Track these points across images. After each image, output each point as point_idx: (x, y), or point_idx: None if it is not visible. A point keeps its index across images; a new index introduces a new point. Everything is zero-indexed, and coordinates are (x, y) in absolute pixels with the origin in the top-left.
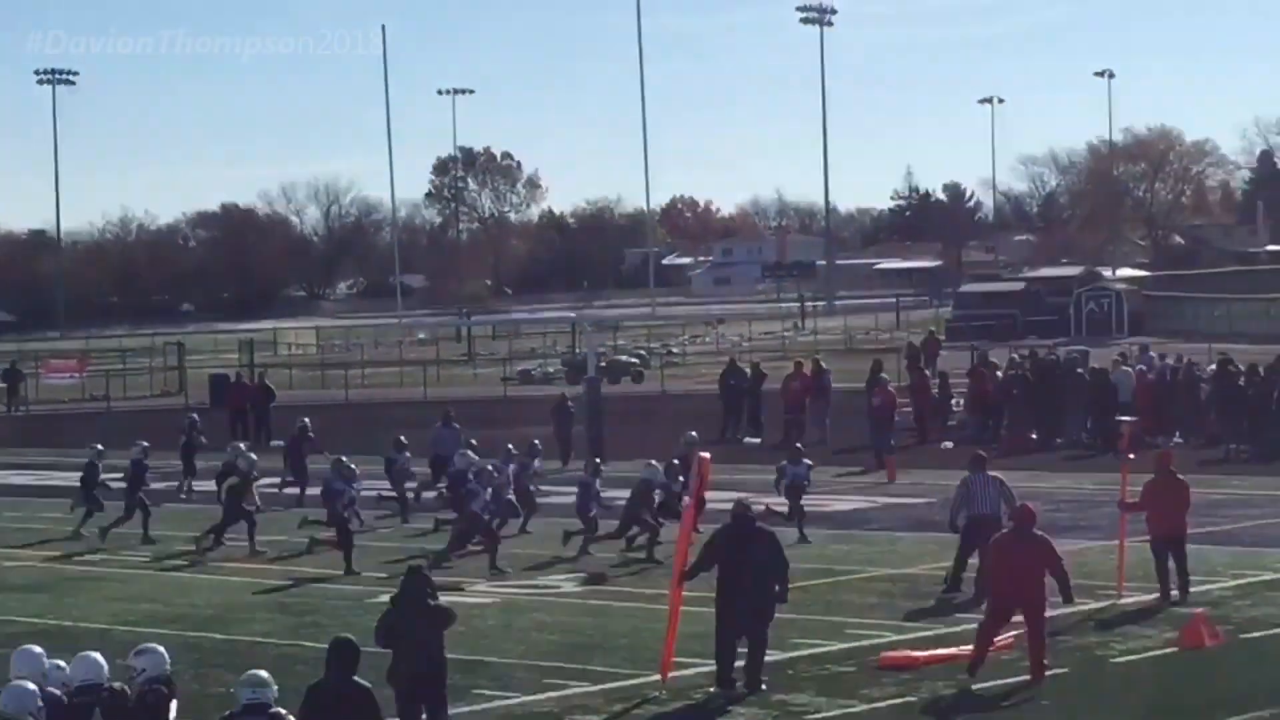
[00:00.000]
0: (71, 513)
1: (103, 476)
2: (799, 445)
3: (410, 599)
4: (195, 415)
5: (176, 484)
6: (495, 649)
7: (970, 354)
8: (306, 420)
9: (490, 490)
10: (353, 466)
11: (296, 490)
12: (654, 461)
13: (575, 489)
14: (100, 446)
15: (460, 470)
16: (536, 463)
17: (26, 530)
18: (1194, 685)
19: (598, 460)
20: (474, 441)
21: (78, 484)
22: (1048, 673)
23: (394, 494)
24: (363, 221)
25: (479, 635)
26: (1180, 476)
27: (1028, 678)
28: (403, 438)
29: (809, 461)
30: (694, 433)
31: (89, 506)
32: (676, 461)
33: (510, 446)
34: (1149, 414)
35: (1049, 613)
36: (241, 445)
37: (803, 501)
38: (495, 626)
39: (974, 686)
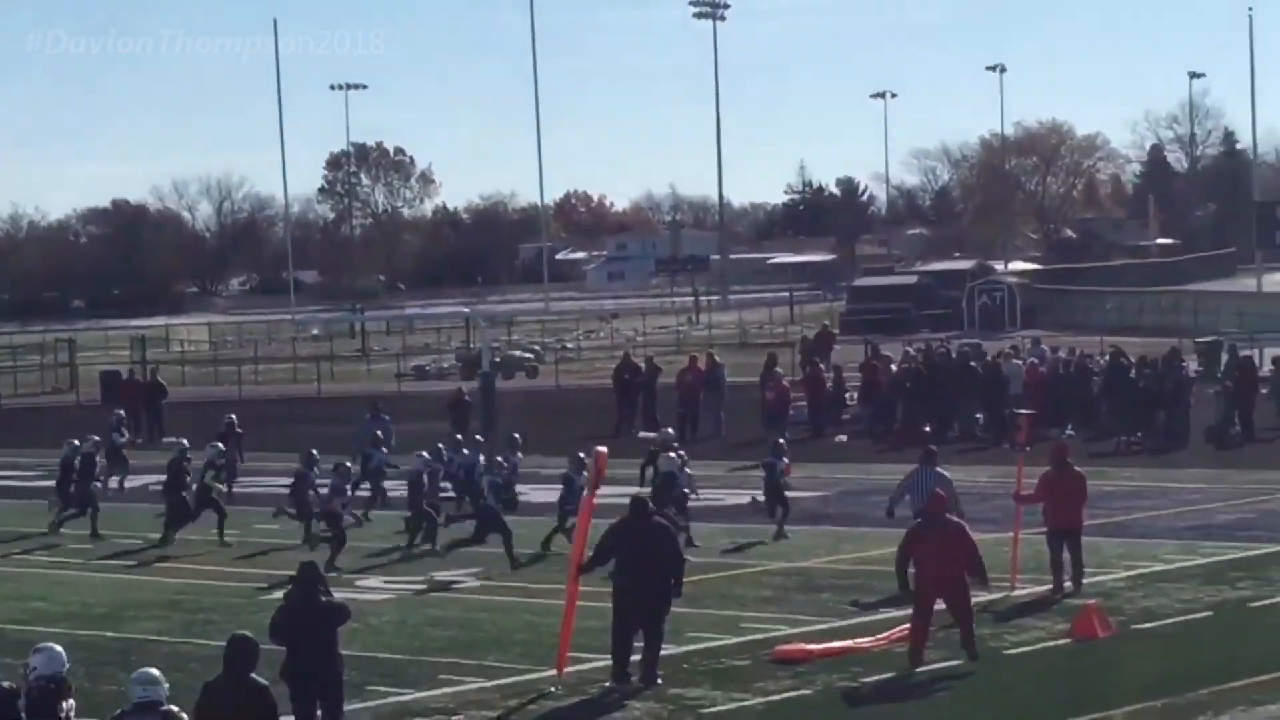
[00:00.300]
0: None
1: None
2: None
3: (303, 596)
4: (122, 412)
5: (103, 482)
6: (390, 645)
7: (864, 348)
8: (233, 416)
9: (487, 481)
10: (349, 465)
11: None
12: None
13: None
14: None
15: (471, 462)
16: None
17: None
18: (1086, 676)
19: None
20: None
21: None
22: (941, 664)
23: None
24: (255, 217)
25: (373, 632)
26: (1077, 469)
27: (916, 669)
28: (379, 432)
29: (676, 456)
30: (670, 429)
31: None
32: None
33: (516, 435)
34: (1041, 406)
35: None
36: (221, 445)
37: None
38: (389, 623)
39: (866, 679)
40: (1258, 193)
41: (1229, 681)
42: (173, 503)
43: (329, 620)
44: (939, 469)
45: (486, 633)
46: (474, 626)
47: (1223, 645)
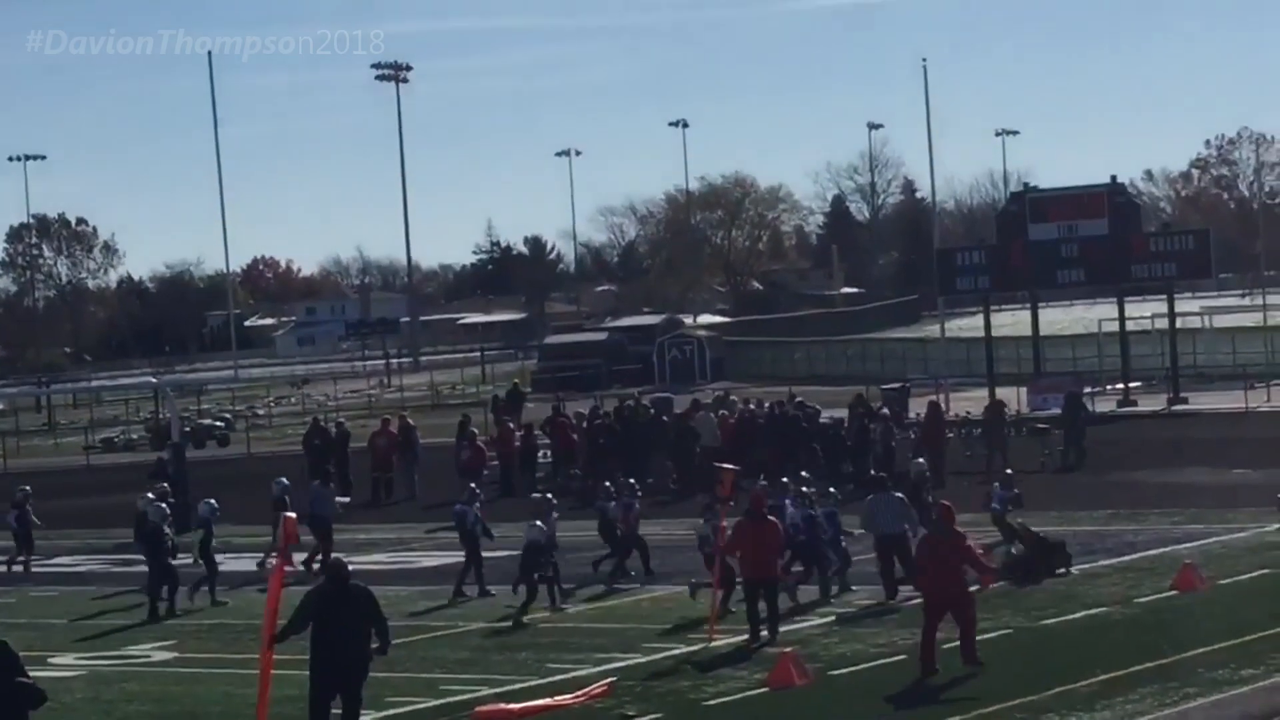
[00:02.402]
0: None
1: None
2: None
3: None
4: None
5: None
6: None
7: (554, 405)
8: (28, 487)
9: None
10: None
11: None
12: (538, 523)
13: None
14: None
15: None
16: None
17: None
18: None
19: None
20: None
21: None
22: (642, 717)
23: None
24: None
25: (67, 710)
26: (771, 518)
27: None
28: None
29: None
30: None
31: None
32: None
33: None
34: (732, 457)
35: (632, 660)
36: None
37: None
38: (83, 700)
39: None
40: (938, 240)
41: None
42: None
43: (21, 703)
44: (896, 493)
45: (182, 705)
46: (169, 700)
47: (919, 688)
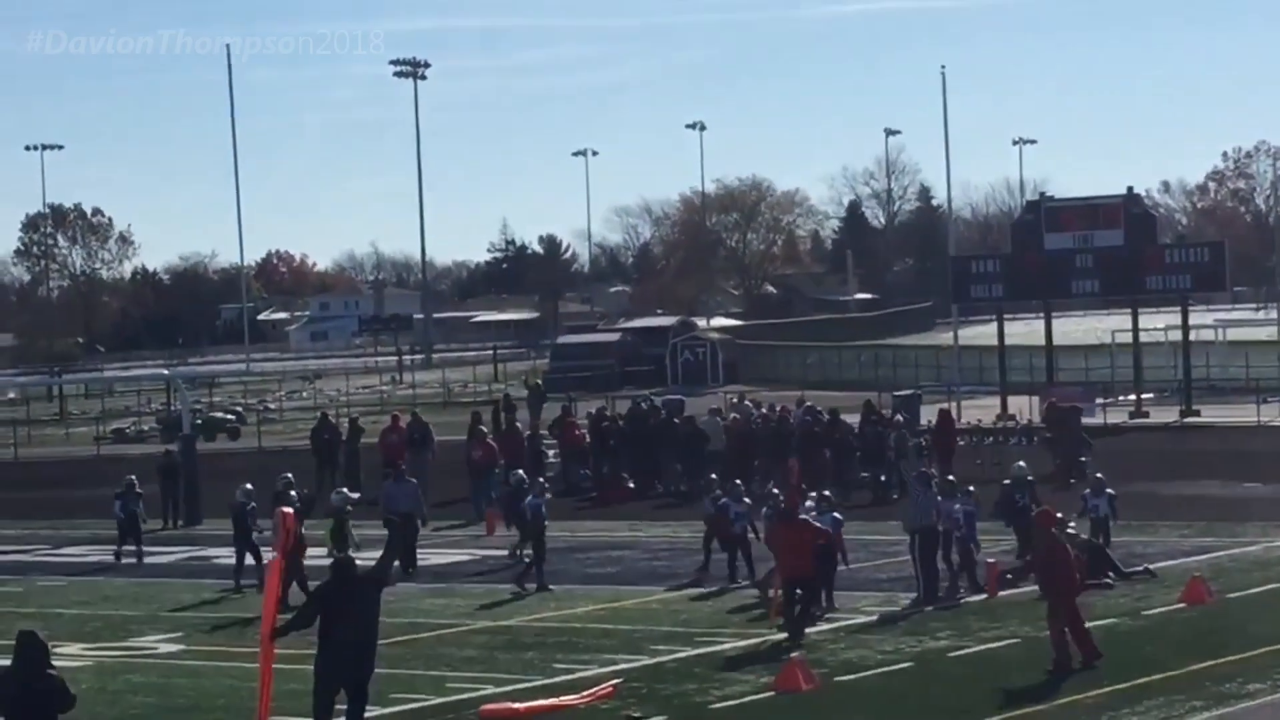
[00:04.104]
0: None
1: None
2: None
3: (25, 668)
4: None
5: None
6: (89, 713)
7: (561, 406)
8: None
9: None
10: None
11: None
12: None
13: None
14: None
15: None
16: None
17: None
18: None
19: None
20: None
21: None
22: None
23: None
24: None
25: None
26: (804, 518)
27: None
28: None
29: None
30: (347, 491)
31: None
32: None
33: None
34: (739, 461)
35: (639, 661)
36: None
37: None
38: (89, 690)
39: None
40: (953, 247)
41: None
42: None
43: (49, 700)
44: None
45: (187, 697)
46: (174, 692)
47: (924, 695)
